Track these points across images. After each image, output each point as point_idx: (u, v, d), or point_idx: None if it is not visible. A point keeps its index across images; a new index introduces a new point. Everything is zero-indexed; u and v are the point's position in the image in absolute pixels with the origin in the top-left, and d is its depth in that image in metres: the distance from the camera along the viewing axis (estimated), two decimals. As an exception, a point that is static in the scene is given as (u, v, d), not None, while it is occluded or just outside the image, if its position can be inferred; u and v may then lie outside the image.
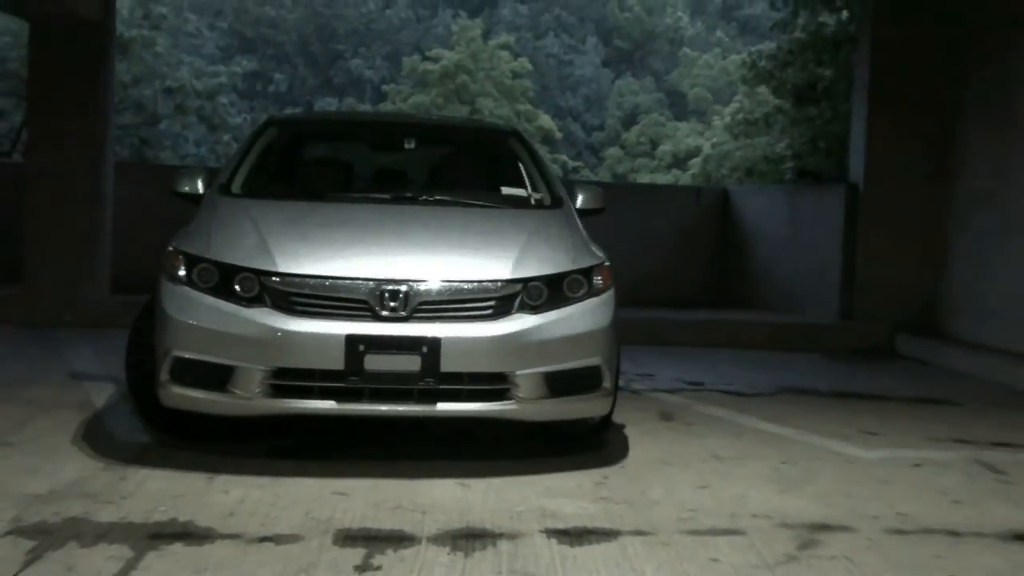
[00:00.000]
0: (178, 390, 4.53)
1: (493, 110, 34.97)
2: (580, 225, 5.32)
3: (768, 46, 17.11)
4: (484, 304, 4.53)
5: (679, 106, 44.04)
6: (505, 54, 38.06)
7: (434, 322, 4.44)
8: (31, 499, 3.92)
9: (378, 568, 3.32)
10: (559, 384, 4.57)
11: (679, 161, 34.63)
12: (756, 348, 9.40)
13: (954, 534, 3.92)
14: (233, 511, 3.85)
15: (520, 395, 4.49)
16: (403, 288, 4.45)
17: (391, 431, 5.26)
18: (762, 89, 18.54)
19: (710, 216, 12.90)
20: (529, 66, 38.84)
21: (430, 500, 4.08)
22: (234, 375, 4.40)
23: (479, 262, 4.67)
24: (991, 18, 9.45)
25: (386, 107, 36.64)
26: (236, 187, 5.47)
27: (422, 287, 4.47)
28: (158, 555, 3.36)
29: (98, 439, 4.95)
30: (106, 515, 3.76)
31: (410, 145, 6.36)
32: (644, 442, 5.29)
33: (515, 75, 37.81)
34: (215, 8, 44.59)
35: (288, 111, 31.89)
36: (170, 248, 4.76)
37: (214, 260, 4.61)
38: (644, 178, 35.05)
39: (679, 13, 50.47)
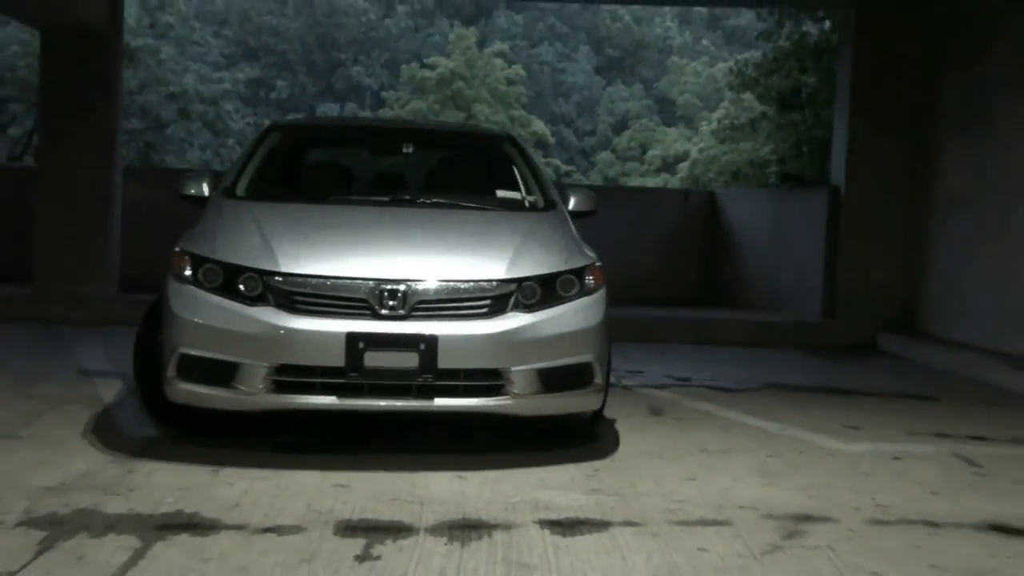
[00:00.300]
0: (184, 386, 4.53)
1: (488, 116, 34.95)
2: (572, 227, 5.33)
3: (754, 54, 17.13)
4: (480, 303, 4.53)
5: (668, 112, 44.07)
6: (499, 61, 38.04)
7: (432, 320, 4.44)
8: (42, 491, 3.92)
9: (378, 558, 3.32)
10: (552, 380, 4.57)
11: (668, 165, 34.65)
12: (742, 345, 9.41)
13: (932, 524, 3.93)
14: (237, 503, 3.85)
15: (515, 391, 4.49)
16: (402, 287, 4.45)
17: (390, 426, 5.26)
18: (747, 96, 18.57)
19: (698, 218, 12.92)
20: (523, 73, 38.82)
21: (428, 492, 4.08)
22: (238, 371, 4.40)
23: (475, 262, 4.68)
24: (967, 28, 9.48)
25: (385, 113, 36.60)
26: (240, 190, 5.47)
27: (420, 287, 4.48)
28: (165, 545, 3.36)
29: (106, 433, 4.95)
30: (114, 506, 3.75)
31: (408, 149, 6.36)
32: (634, 436, 5.29)
33: (509, 82, 37.79)
34: (220, 17, 44.53)
35: (290, 116, 31.84)
36: (177, 249, 4.75)
37: (219, 260, 4.60)
38: (634, 182, 35.03)
39: (668, 23, 50.50)
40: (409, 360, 4.37)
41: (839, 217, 10.10)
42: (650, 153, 37.44)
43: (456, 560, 3.32)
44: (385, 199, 5.55)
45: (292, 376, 4.40)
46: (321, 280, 4.47)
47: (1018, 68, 8.59)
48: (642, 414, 5.91)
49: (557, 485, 4.27)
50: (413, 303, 4.45)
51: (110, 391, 6.01)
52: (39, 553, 3.25)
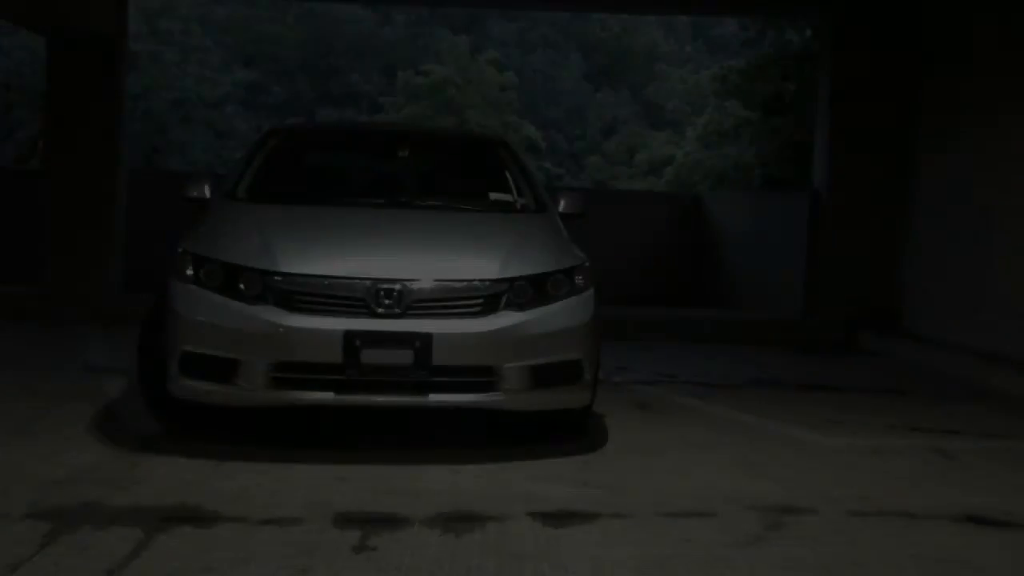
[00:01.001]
0: (187, 382, 4.52)
1: (481, 121, 34.93)
2: (563, 228, 5.33)
3: (738, 62, 17.17)
4: (473, 302, 4.53)
5: (655, 117, 44.10)
6: (492, 69, 38.02)
7: (426, 318, 4.44)
8: (48, 484, 3.90)
9: (374, 549, 3.31)
10: (543, 376, 4.57)
11: (655, 169, 34.62)
12: (727, 343, 9.42)
13: (910, 515, 3.94)
14: (238, 495, 3.84)
15: (506, 387, 4.49)
16: (397, 287, 4.44)
17: (387, 421, 5.25)
18: (731, 102, 18.59)
19: (684, 220, 12.93)
20: (516, 79, 38.79)
21: (423, 485, 4.08)
22: (239, 368, 4.39)
23: (468, 262, 4.67)
24: (942, 35, 9.50)
25: (381, 118, 36.54)
26: (241, 192, 5.46)
27: (415, 286, 4.47)
28: (168, 537, 3.35)
29: (111, 428, 4.93)
30: (119, 499, 3.74)
31: (404, 153, 6.35)
32: (622, 430, 5.29)
33: (502, 88, 37.77)
34: (222, 24, 44.38)
35: (290, 120, 31.73)
36: (179, 249, 4.74)
37: (220, 260, 4.59)
38: (622, 185, 35.04)
39: (654, 32, 50.56)
40: (404, 357, 4.37)
41: (820, 219, 10.12)
42: (638, 157, 37.44)
43: (450, 551, 3.32)
44: (381, 201, 5.55)
45: (291, 373, 4.39)
46: (319, 279, 4.46)
47: (991, 74, 8.61)
48: (630, 409, 5.91)
49: (548, 478, 4.27)
50: (408, 302, 4.44)
51: (115, 387, 5.99)
52: (45, 544, 3.24)
